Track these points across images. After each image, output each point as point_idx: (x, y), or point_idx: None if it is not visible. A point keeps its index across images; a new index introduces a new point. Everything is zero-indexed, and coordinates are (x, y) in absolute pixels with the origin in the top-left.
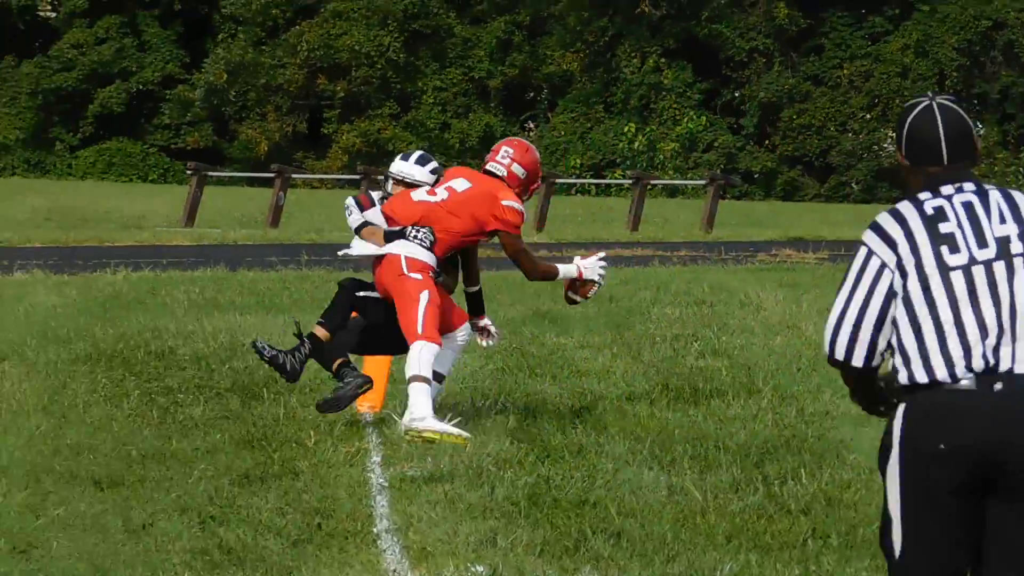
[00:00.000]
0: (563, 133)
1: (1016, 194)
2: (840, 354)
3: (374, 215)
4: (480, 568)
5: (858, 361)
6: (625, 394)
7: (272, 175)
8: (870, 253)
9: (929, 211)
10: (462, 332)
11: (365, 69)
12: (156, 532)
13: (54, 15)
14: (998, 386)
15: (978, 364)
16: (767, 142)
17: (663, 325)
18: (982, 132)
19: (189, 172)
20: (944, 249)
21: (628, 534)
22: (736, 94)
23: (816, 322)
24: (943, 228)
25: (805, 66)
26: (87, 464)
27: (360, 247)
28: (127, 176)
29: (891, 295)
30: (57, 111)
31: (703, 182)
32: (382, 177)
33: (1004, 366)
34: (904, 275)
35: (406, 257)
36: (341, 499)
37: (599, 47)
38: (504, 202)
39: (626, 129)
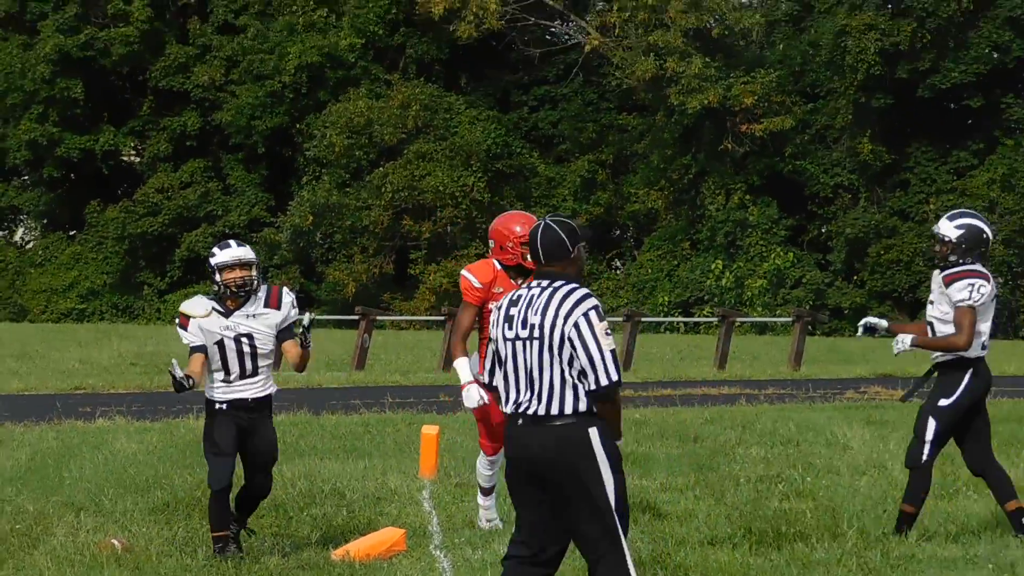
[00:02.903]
0: (650, 271)
1: (552, 293)
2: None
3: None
4: None
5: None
6: (707, 538)
7: (357, 318)
8: (498, 307)
9: (515, 296)
10: None
11: (450, 209)
12: None
13: (138, 160)
14: (520, 422)
15: (511, 407)
16: (855, 278)
17: (748, 465)
18: None
19: None
20: (506, 325)
21: None
22: (823, 230)
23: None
24: (511, 311)
25: (891, 201)
26: None
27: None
28: None
29: None
30: (144, 255)
31: (790, 319)
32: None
33: (522, 408)
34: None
35: None
36: None
37: (683, 184)
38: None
39: (713, 266)
